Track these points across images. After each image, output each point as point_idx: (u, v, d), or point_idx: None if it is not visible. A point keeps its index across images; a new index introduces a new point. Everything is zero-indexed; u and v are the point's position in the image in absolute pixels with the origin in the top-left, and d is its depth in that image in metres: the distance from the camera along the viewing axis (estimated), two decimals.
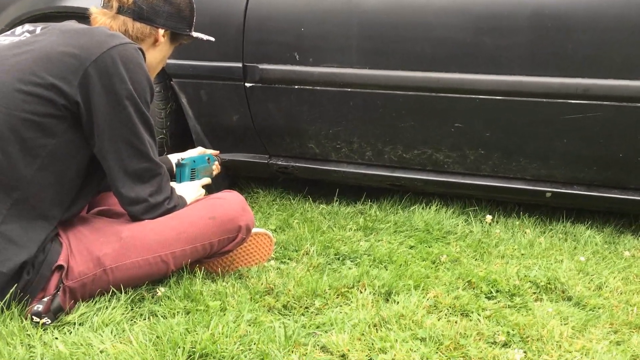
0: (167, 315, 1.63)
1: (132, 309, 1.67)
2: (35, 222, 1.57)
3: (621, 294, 1.91)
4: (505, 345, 1.58)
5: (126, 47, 1.61)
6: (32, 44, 1.63)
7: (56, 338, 1.50)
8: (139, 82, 1.62)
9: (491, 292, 1.87)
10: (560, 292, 1.89)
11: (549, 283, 1.93)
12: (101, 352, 1.44)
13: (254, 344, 1.49)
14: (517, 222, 2.50)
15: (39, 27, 1.71)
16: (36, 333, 1.50)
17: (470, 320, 1.69)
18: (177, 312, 1.65)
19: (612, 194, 2.31)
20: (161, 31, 1.81)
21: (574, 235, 2.40)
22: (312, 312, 1.72)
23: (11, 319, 1.52)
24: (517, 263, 2.08)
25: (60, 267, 1.59)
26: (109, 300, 1.66)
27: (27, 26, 1.75)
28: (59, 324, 1.57)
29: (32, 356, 1.42)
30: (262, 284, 1.85)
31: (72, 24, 1.70)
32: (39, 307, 1.54)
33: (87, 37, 1.61)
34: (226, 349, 1.45)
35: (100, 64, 1.56)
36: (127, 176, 1.64)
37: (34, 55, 1.58)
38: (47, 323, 1.54)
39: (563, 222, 2.50)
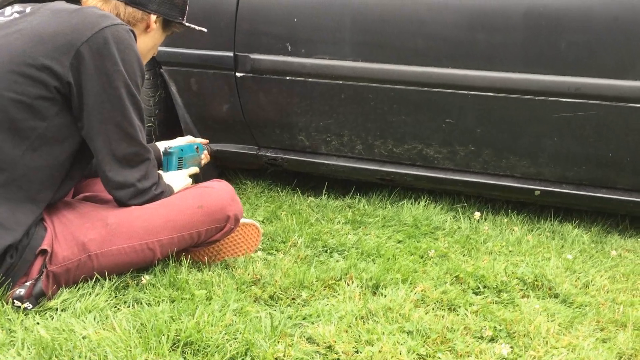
0: (151, 303, 1.61)
1: (116, 296, 1.65)
2: (23, 205, 1.54)
3: (608, 292, 1.92)
4: (492, 340, 1.57)
5: (118, 27, 1.58)
6: (22, 24, 1.60)
7: (37, 323, 1.47)
8: (130, 64, 1.59)
9: (479, 287, 1.87)
10: (547, 289, 1.89)
11: (536, 280, 1.92)
12: (83, 338, 1.41)
13: (240, 333, 1.47)
14: (505, 220, 2.50)
15: (28, 7, 1.68)
16: (17, 318, 1.47)
17: (458, 314, 1.68)
18: (162, 300, 1.62)
19: (600, 194, 2.31)
20: (153, 17, 1.77)
21: (562, 234, 2.40)
22: (298, 304, 1.70)
23: None
24: (504, 260, 2.08)
25: (44, 252, 1.56)
26: (92, 287, 1.63)
27: (17, 7, 1.71)
28: (40, 309, 1.55)
29: (12, 340, 1.39)
30: (248, 274, 1.83)
31: (62, 4, 1.67)
32: (20, 291, 1.51)
33: (78, 17, 1.57)
34: (211, 337, 1.43)
35: (92, 44, 1.53)
36: (115, 160, 1.61)
37: (25, 35, 1.55)
38: (28, 308, 1.51)
39: (551, 220, 2.51)
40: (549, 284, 1.91)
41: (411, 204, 2.56)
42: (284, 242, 2.14)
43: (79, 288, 1.63)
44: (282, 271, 1.84)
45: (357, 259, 2.01)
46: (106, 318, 1.52)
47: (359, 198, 2.65)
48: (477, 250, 2.18)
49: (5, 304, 1.51)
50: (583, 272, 2.04)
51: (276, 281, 1.78)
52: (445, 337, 1.55)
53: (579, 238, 2.36)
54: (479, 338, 1.57)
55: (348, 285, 1.82)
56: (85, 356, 1.34)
